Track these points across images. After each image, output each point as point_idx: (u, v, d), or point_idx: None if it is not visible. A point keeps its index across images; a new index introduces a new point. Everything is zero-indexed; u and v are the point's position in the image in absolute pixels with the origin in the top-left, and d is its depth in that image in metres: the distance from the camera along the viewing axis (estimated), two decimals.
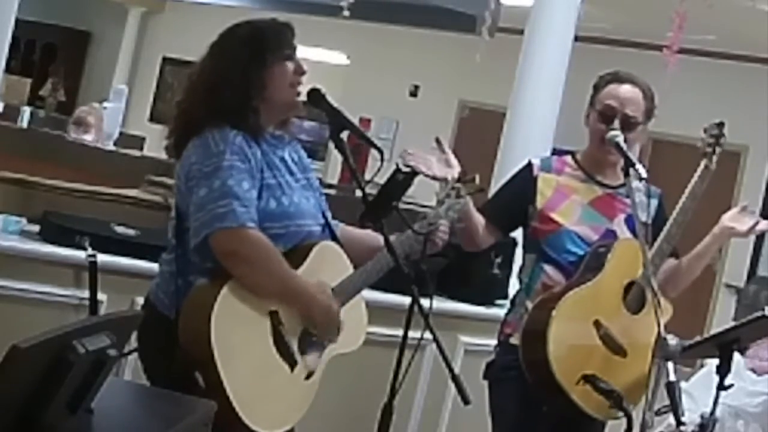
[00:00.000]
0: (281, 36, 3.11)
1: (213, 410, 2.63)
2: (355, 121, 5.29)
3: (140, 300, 3.35)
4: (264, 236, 2.95)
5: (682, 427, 3.19)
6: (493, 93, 10.80)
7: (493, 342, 3.76)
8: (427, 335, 3.02)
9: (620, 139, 3.53)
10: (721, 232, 3.66)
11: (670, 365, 3.22)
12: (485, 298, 4.88)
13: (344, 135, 3.08)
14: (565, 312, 3.44)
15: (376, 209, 3.03)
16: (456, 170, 3.43)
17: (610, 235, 3.61)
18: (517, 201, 3.68)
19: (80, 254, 3.79)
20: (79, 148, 7.29)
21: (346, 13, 7.89)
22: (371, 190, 3.01)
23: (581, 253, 3.57)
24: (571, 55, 6.58)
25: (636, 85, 3.63)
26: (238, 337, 2.93)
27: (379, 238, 3.07)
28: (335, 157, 13.33)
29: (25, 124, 9.70)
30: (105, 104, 8.83)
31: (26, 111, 10.41)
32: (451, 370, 2.99)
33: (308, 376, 3.10)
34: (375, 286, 3.34)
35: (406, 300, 3.08)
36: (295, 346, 3.04)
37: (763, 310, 3.56)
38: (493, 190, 4.05)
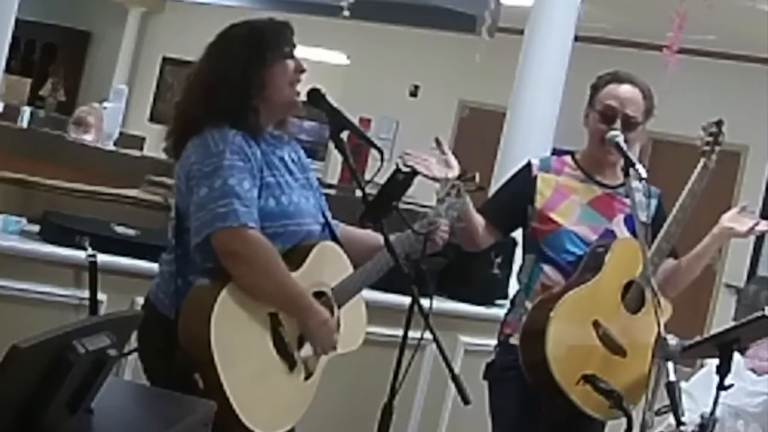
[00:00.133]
0: (280, 35, 3.11)
1: (213, 410, 2.62)
2: (355, 121, 5.29)
3: (140, 300, 3.35)
4: (265, 238, 2.95)
5: (682, 427, 3.19)
6: (493, 93, 10.81)
7: (493, 342, 3.76)
8: (427, 335, 3.02)
9: (620, 139, 3.54)
10: (721, 233, 3.66)
11: (670, 365, 3.22)
12: (485, 298, 4.88)
13: (344, 135, 3.08)
14: (563, 312, 3.44)
15: (376, 209, 3.03)
16: (455, 171, 3.44)
17: (609, 235, 3.61)
18: (516, 201, 3.68)
19: (80, 254, 3.79)
20: (79, 148, 7.29)
21: (346, 13, 7.90)
22: (371, 190, 3.01)
23: (580, 253, 3.58)
24: (571, 55, 6.58)
25: (635, 84, 3.64)
26: (237, 338, 2.93)
27: (379, 238, 3.07)
28: (335, 157, 13.34)
29: (25, 124, 9.71)
30: (105, 104, 8.83)
31: (26, 111, 10.41)
32: (451, 370, 2.99)
33: (307, 377, 3.10)
34: (375, 286, 3.35)
35: (406, 300, 3.08)
36: (294, 347, 3.04)
37: (763, 310, 3.56)
38: (492, 190, 4.05)
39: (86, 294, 3.77)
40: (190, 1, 15.32)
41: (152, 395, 2.84)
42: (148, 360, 3.12)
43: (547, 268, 3.61)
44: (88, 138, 7.52)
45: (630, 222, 3.59)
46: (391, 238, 3.06)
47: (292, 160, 3.16)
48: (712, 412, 3.65)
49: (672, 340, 3.24)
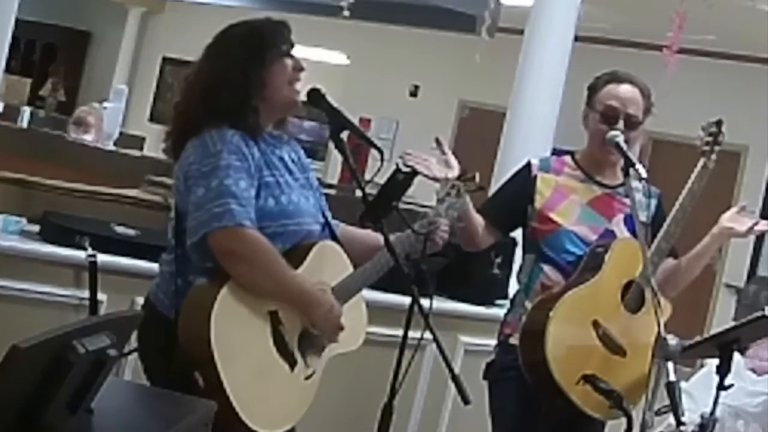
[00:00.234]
0: (278, 34, 3.11)
1: (213, 410, 2.63)
2: (355, 121, 5.29)
3: (140, 300, 3.35)
4: (262, 236, 2.95)
5: (682, 427, 3.19)
6: (493, 93, 10.81)
7: (493, 342, 3.76)
8: (427, 335, 3.02)
9: (620, 139, 3.54)
10: (720, 233, 3.66)
11: (670, 365, 3.22)
12: (485, 298, 4.88)
13: (344, 135, 3.08)
14: (563, 312, 3.44)
15: (376, 209, 3.03)
16: (455, 171, 3.44)
17: (609, 235, 3.61)
18: (516, 201, 3.68)
19: (80, 254, 3.79)
20: (79, 148, 7.29)
21: (346, 13, 7.90)
22: (371, 190, 3.01)
23: (580, 253, 3.58)
24: (571, 55, 6.58)
25: (634, 84, 3.64)
26: (237, 336, 2.93)
27: (379, 238, 3.07)
28: (335, 157, 13.34)
29: (25, 124, 9.71)
30: (105, 104, 8.83)
31: (26, 111, 10.41)
32: (451, 370, 2.99)
33: (308, 376, 3.10)
34: (375, 286, 3.35)
35: (406, 300, 3.08)
36: (294, 346, 3.04)
37: (763, 310, 3.56)
38: (492, 190, 4.05)
39: (86, 294, 3.77)
40: (190, 1, 15.33)
41: (152, 395, 2.84)
42: (148, 360, 3.12)
43: (546, 268, 3.61)
44: (88, 138, 7.52)
45: (630, 222, 3.59)
46: (391, 238, 3.06)
47: (292, 160, 3.17)
48: (712, 412, 3.65)
49: (672, 340, 3.24)
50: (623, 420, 3.36)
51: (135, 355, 3.15)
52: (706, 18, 8.01)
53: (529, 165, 3.72)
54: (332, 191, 6.87)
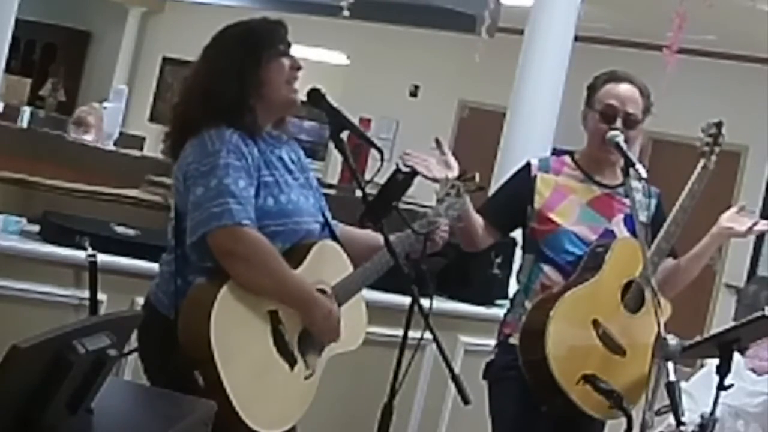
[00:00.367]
0: (274, 33, 3.11)
1: (213, 410, 2.62)
2: (355, 121, 5.29)
3: (140, 300, 3.35)
4: (261, 235, 2.95)
5: (682, 427, 3.19)
6: (493, 93, 10.81)
7: (493, 342, 3.76)
8: (427, 335, 3.02)
9: (620, 138, 3.54)
10: (720, 233, 3.66)
11: (670, 365, 3.22)
12: (485, 298, 4.88)
13: (344, 135, 3.08)
14: (563, 312, 3.44)
15: (376, 209, 3.03)
16: (455, 171, 3.44)
17: (609, 234, 3.61)
18: (515, 201, 3.68)
19: (80, 254, 3.79)
20: (79, 148, 7.30)
21: (346, 13, 7.91)
22: (371, 190, 3.01)
23: (579, 253, 3.57)
24: (571, 55, 6.58)
25: (633, 83, 3.64)
26: (237, 336, 2.93)
27: (379, 238, 3.07)
28: (335, 157, 13.34)
29: (25, 124, 9.72)
30: (105, 104, 8.84)
31: (26, 111, 10.42)
32: (451, 370, 2.99)
33: (308, 376, 3.10)
34: (375, 286, 3.35)
35: (406, 300, 3.08)
36: (294, 346, 3.04)
37: (763, 310, 3.56)
38: (492, 190, 4.05)
39: (86, 294, 3.77)
40: (190, 1, 15.32)
41: (152, 395, 2.84)
42: (148, 360, 3.12)
43: (546, 268, 3.61)
44: (88, 138, 7.53)
45: (629, 222, 3.60)
46: (391, 238, 3.06)
47: (291, 160, 3.17)
48: (712, 412, 3.65)
49: (672, 340, 3.24)
50: (623, 420, 3.36)
51: (135, 355, 3.15)
52: (706, 18, 8.01)
53: (528, 165, 3.72)
54: (332, 191, 6.87)
